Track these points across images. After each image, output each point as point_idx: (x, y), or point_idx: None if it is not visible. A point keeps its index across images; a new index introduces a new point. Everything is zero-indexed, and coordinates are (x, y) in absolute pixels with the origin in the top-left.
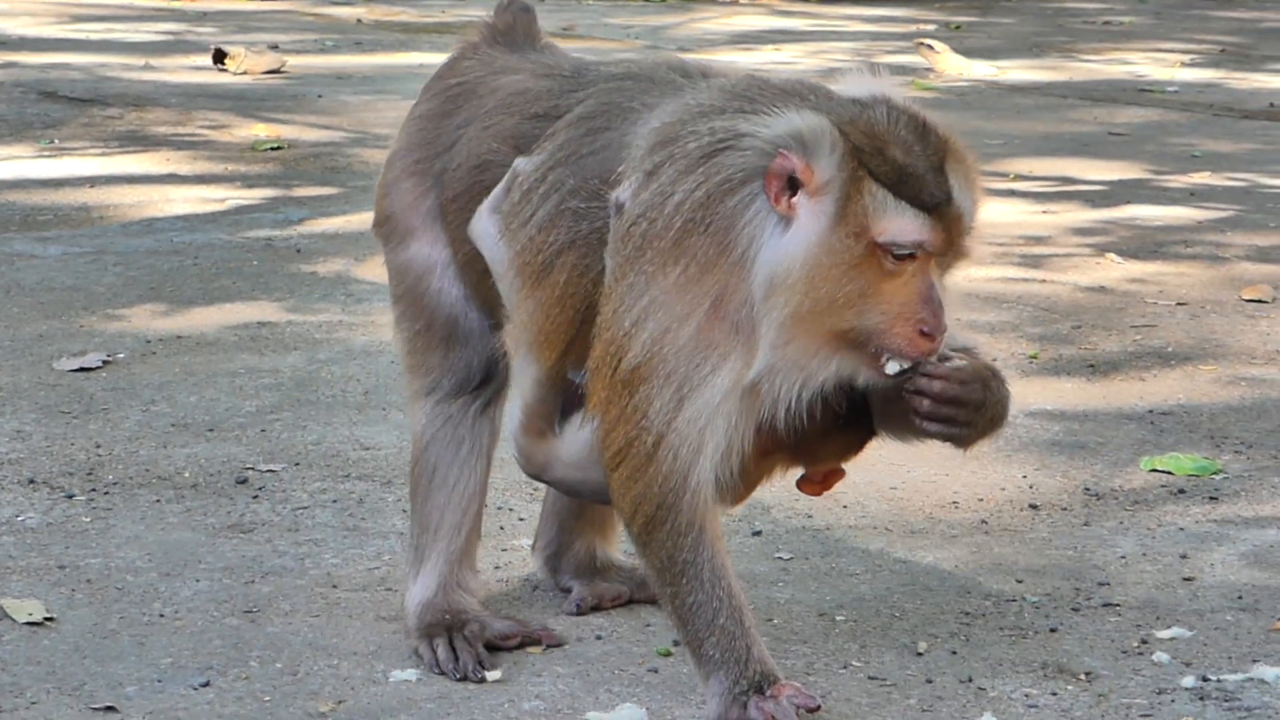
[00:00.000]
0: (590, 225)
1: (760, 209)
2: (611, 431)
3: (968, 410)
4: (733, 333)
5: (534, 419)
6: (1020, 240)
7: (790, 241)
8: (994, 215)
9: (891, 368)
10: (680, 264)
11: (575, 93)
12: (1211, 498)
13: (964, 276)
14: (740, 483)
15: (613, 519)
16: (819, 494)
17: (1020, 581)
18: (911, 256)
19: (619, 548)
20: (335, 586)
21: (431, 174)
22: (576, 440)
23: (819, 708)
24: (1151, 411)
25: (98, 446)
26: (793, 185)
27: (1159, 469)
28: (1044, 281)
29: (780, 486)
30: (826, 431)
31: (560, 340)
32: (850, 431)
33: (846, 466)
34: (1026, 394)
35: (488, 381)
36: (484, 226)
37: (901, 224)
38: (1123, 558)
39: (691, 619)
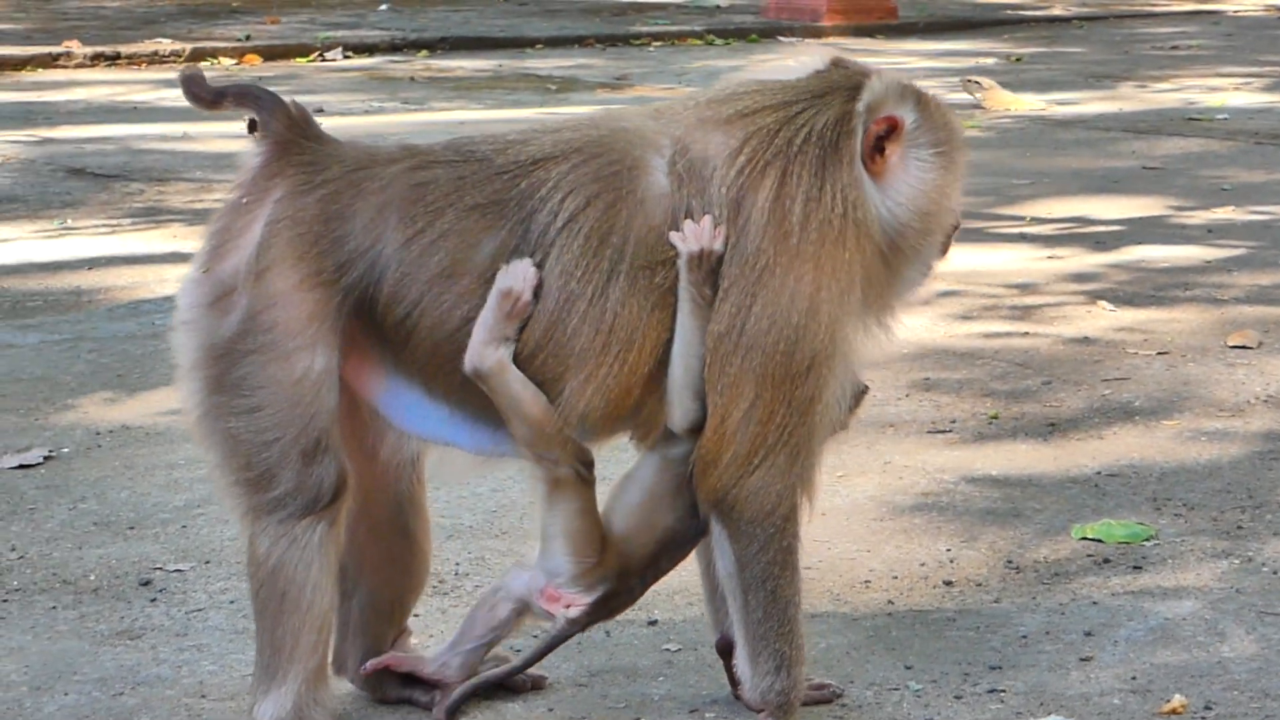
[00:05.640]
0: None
1: None
2: (763, 428)
3: None
4: None
5: (586, 548)
6: (1014, 290)
7: None
8: (997, 263)
9: None
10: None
11: (507, 175)
12: (1136, 567)
13: (944, 333)
14: None
15: (403, 616)
16: None
17: (909, 668)
18: None
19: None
20: (204, 696)
21: (339, 287)
22: (628, 504)
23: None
24: (1099, 473)
25: (13, 549)
26: None
27: (1089, 537)
28: (1025, 334)
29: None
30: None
31: (628, 411)
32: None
33: None
34: (976, 458)
35: (337, 498)
36: (492, 360)
37: None
38: (1024, 637)
39: (784, 611)
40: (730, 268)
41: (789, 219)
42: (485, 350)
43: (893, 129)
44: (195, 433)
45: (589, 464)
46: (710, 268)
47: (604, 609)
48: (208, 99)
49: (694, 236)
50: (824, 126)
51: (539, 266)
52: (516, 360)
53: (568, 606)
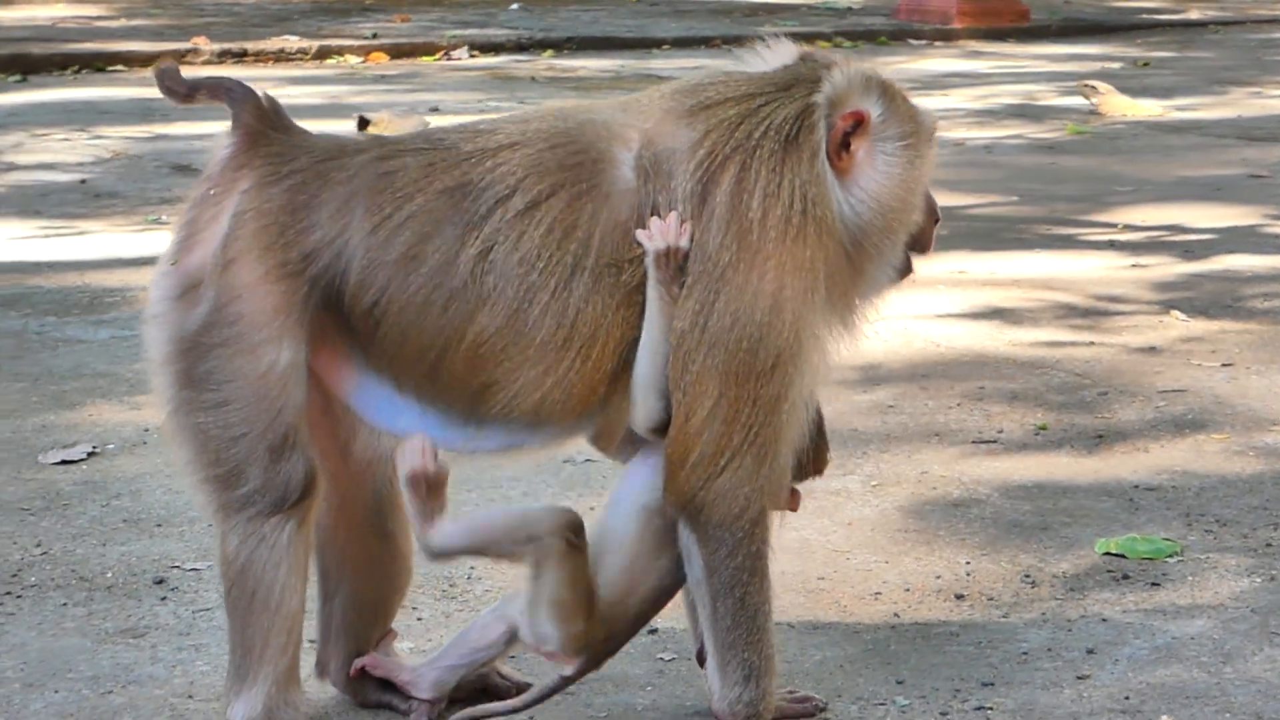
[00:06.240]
0: (631, 274)
1: None
2: (728, 428)
3: None
4: None
5: (574, 616)
6: (1091, 297)
7: None
8: (1078, 270)
9: None
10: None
11: (474, 160)
12: (1154, 583)
13: (1007, 341)
14: None
15: (387, 618)
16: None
17: (900, 683)
18: None
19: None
20: (191, 696)
21: (306, 278)
22: (611, 570)
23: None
24: (1136, 487)
25: (38, 545)
26: None
27: (1112, 552)
28: (1090, 344)
29: None
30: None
31: (592, 407)
32: None
33: None
34: (1015, 469)
35: (306, 496)
36: (443, 536)
37: None
38: (1024, 653)
39: (753, 619)
40: (694, 264)
41: (748, 214)
42: (431, 534)
43: (859, 123)
44: (166, 429)
45: (578, 529)
46: (678, 265)
47: (592, 664)
48: (182, 92)
49: (660, 233)
50: (784, 120)
51: (498, 251)
52: (476, 347)
53: (558, 662)
